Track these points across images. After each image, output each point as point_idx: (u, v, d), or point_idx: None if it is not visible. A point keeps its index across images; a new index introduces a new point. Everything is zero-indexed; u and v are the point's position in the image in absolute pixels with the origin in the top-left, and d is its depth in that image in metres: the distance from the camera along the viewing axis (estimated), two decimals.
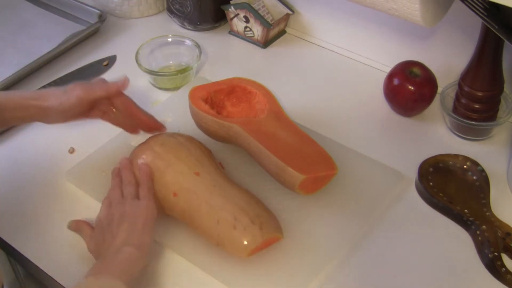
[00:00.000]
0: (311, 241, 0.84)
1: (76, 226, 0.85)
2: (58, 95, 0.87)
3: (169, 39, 1.16)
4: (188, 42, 1.15)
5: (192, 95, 0.94)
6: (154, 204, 0.82)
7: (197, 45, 1.13)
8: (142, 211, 0.80)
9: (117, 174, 0.87)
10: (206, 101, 0.94)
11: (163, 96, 1.10)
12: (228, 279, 0.81)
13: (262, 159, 0.88)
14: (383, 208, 0.89)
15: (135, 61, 1.10)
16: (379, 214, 0.89)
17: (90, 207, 0.89)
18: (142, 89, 1.11)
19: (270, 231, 0.80)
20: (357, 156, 0.96)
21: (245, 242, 0.78)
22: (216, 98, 0.96)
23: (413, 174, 0.93)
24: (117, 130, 0.95)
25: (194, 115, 0.94)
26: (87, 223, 0.84)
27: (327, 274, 0.82)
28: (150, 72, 1.10)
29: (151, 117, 0.93)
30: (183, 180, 0.83)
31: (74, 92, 0.87)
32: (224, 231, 0.80)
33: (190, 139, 0.89)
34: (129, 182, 0.84)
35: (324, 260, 0.82)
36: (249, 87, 0.97)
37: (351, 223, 0.87)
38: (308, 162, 0.86)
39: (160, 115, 0.97)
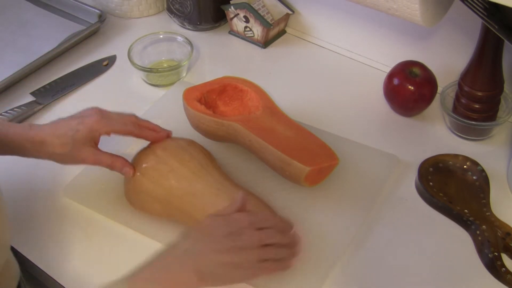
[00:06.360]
0: (321, 232, 0.85)
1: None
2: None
3: (161, 36, 1.16)
4: (179, 38, 1.15)
5: (186, 97, 0.94)
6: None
7: (189, 42, 1.13)
8: (267, 269, 0.73)
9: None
10: (200, 101, 0.94)
11: (155, 93, 1.10)
12: None
13: (265, 155, 0.88)
14: (386, 194, 0.90)
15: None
16: (380, 207, 0.89)
17: (91, 220, 0.89)
18: (136, 87, 1.12)
19: None
20: (354, 145, 0.97)
21: None
22: (209, 98, 0.96)
23: (413, 174, 0.93)
24: (112, 141, 0.90)
25: (191, 117, 0.93)
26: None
27: (327, 274, 0.82)
28: (143, 69, 1.10)
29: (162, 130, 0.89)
30: (187, 184, 0.83)
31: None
32: None
33: (191, 142, 0.88)
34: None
35: (338, 252, 0.83)
36: (240, 85, 0.97)
37: (357, 210, 0.88)
38: (310, 154, 0.87)
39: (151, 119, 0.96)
